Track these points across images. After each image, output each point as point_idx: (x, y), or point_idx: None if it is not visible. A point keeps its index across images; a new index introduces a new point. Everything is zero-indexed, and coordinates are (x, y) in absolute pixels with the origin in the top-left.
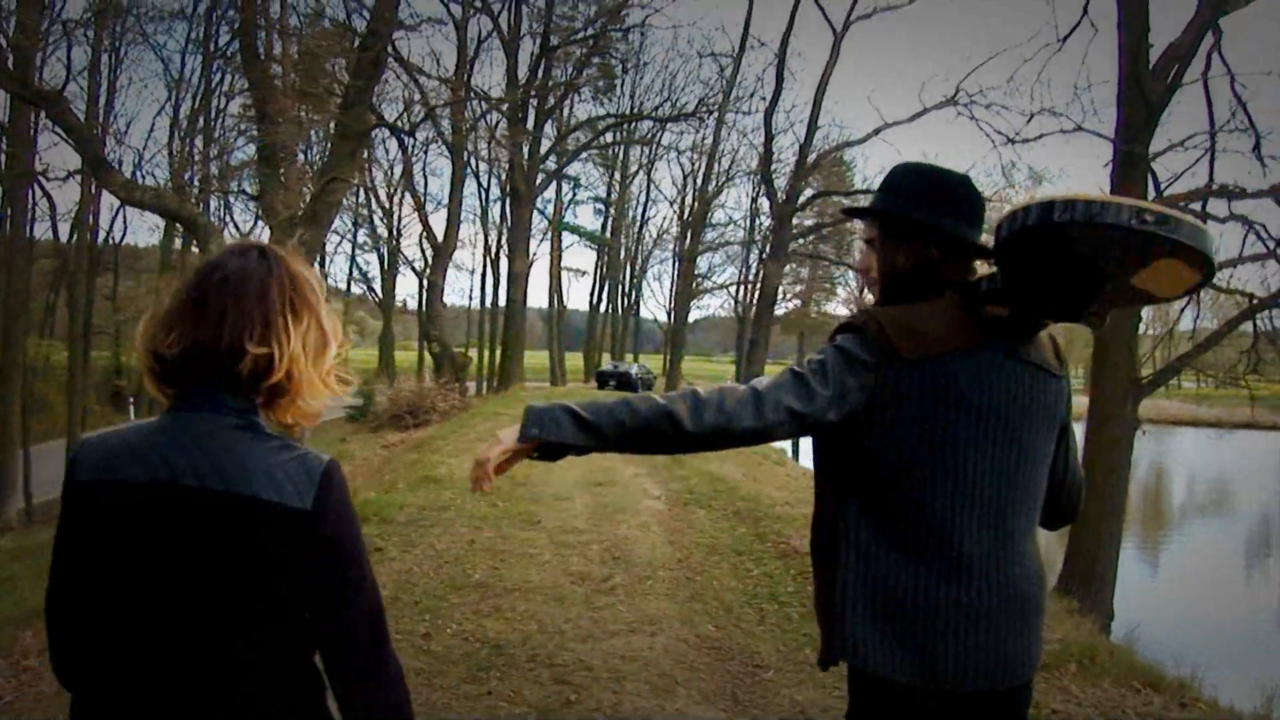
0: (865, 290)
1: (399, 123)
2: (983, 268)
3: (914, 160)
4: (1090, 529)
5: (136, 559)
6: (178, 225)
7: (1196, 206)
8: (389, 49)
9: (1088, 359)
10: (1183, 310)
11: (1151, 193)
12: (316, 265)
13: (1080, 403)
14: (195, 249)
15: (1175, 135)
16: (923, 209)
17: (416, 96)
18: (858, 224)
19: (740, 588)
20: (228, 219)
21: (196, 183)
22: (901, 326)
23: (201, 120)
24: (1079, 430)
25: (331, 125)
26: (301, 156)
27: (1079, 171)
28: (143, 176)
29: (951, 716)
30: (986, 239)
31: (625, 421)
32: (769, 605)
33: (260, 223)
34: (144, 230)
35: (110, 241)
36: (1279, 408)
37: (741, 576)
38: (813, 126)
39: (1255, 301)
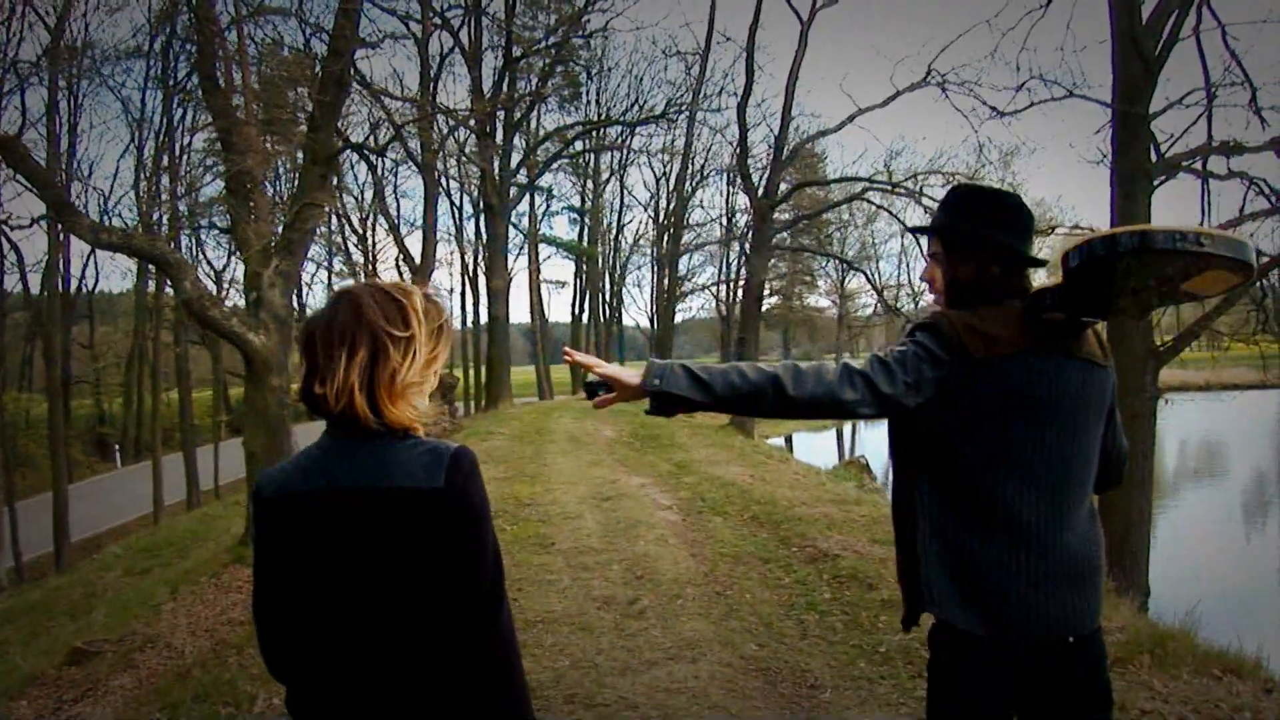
0: (924, 297)
1: (367, 144)
2: (1036, 275)
3: (969, 182)
4: (1119, 507)
5: (318, 552)
6: (150, 267)
7: (1198, 165)
8: (351, 69)
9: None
10: None
11: (1153, 155)
12: (293, 297)
13: None
14: (170, 289)
15: (1171, 95)
16: (983, 226)
17: (382, 117)
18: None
19: (775, 599)
20: (200, 256)
21: (165, 221)
22: (971, 328)
23: (166, 158)
24: None
25: (299, 153)
26: (271, 189)
27: (1074, 139)
28: (110, 219)
29: (1026, 664)
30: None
31: (736, 383)
32: (809, 616)
33: (234, 257)
34: (117, 275)
35: (84, 289)
36: None
37: (773, 586)
38: (786, 118)
39: (1267, 259)
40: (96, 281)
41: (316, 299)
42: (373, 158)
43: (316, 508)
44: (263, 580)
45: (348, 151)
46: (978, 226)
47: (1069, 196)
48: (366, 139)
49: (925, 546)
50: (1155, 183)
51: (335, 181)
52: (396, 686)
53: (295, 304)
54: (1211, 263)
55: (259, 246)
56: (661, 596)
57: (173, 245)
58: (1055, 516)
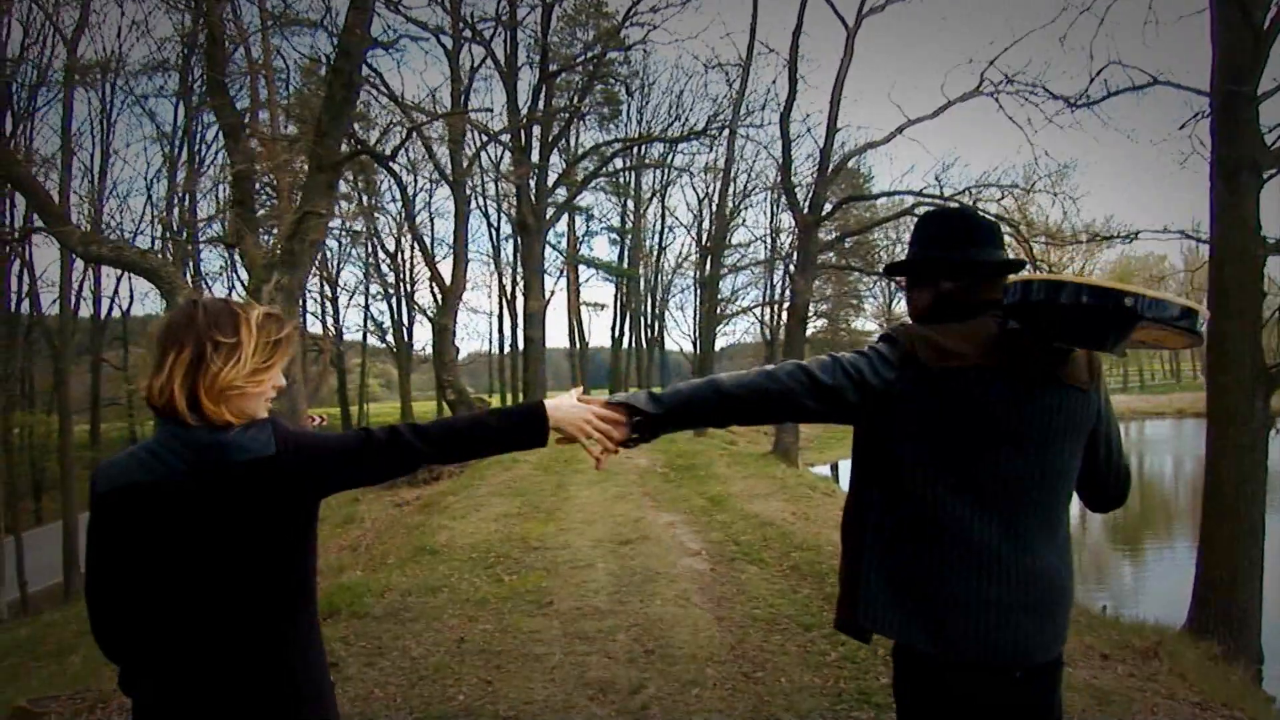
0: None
1: (379, 147)
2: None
3: (933, 208)
4: (1223, 555)
5: (157, 542)
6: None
7: None
8: (361, 68)
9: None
10: None
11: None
12: (317, 318)
13: (1199, 399)
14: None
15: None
16: (926, 248)
17: (398, 118)
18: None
19: (818, 684)
20: (235, 274)
21: (184, 235)
22: (928, 340)
23: (184, 173)
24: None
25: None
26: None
27: (1141, 145)
28: (136, 238)
29: (982, 690)
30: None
31: (681, 389)
32: (862, 714)
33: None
34: (154, 297)
35: (119, 309)
36: None
37: (816, 666)
38: (831, 130)
39: None
40: (131, 302)
41: (354, 322)
42: (400, 170)
43: (158, 496)
44: (98, 568)
45: (383, 174)
46: (922, 250)
47: (1128, 210)
48: (378, 140)
49: (870, 559)
50: (1265, 176)
51: (370, 201)
52: (241, 646)
53: (333, 327)
54: (1140, 321)
55: (260, 260)
56: (674, 682)
57: (191, 263)
58: (1010, 538)
